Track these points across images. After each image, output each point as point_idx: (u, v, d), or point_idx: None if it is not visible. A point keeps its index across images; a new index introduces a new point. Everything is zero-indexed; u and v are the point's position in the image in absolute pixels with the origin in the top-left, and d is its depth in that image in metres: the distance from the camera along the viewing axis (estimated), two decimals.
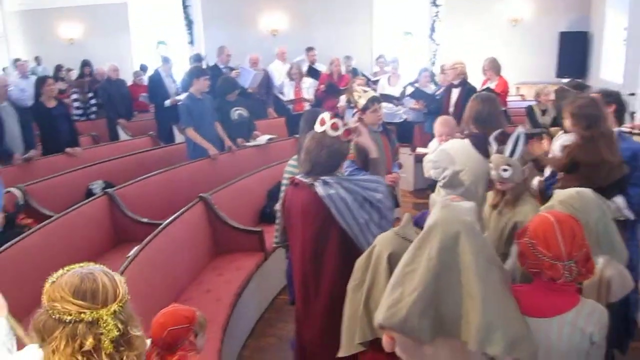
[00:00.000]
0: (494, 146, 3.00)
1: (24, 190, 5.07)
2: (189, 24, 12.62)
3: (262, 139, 6.76)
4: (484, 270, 1.97)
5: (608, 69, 9.44)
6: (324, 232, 2.92)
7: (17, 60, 11.09)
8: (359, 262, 2.59)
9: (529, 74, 10.87)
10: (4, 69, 12.59)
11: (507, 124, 6.74)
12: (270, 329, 4.43)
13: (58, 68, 11.14)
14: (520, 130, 3.32)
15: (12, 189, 5.00)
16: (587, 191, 2.58)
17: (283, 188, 3.59)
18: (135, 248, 3.66)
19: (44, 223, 4.29)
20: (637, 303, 3.46)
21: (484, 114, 3.66)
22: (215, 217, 4.63)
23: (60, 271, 1.53)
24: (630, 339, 3.55)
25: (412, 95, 7.78)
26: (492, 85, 7.12)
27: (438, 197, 3.61)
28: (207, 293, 4.03)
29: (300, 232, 3.00)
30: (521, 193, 2.85)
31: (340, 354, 2.73)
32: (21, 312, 2.39)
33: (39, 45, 13.48)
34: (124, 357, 1.48)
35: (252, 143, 6.66)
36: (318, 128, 3.03)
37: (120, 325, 1.46)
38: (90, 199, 4.92)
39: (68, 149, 6.45)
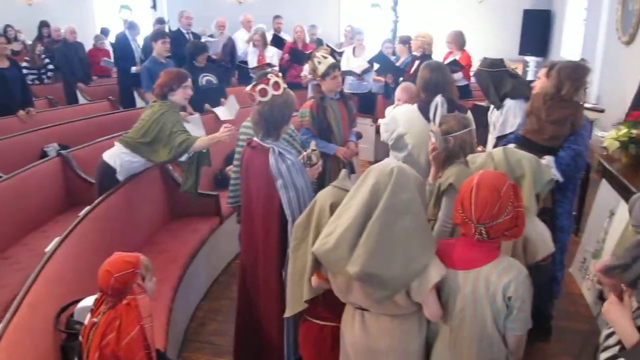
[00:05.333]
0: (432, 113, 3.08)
1: None
2: None
3: (231, 112, 6.69)
4: (390, 211, 2.06)
5: (568, 47, 9.62)
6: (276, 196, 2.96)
7: None
8: (298, 222, 2.63)
9: (492, 51, 10.91)
10: None
11: (469, 97, 6.91)
12: (225, 291, 4.48)
13: (5, 29, 10.70)
14: (438, 98, 3.39)
15: None
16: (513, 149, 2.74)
17: (239, 149, 3.60)
18: (86, 208, 3.64)
19: None
20: (562, 263, 3.64)
21: (432, 81, 3.72)
22: (172, 180, 4.61)
23: None
24: (555, 298, 3.73)
25: (378, 72, 7.76)
26: (457, 58, 7.19)
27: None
28: (161, 254, 4.04)
29: (256, 192, 3.02)
30: (449, 158, 2.88)
31: (287, 314, 2.79)
32: None
33: None
34: None
35: (218, 111, 6.61)
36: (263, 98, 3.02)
37: None
38: (42, 160, 4.85)
39: (20, 112, 6.28)
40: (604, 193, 4.46)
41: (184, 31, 8.37)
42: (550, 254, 2.73)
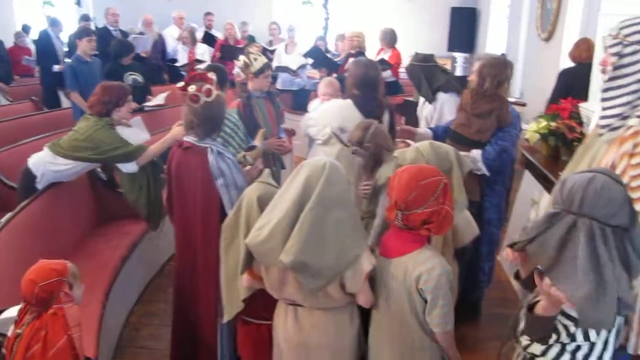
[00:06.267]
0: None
1: None
2: None
3: (159, 98, 6.57)
4: (322, 204, 2.10)
5: (493, 43, 10.00)
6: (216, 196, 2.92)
7: None
8: (226, 222, 2.65)
9: (422, 48, 11.17)
10: None
11: (398, 93, 7.07)
12: (160, 294, 4.39)
13: None
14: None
15: None
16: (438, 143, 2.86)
17: None
18: (8, 215, 3.47)
19: None
20: (490, 255, 3.78)
21: (370, 76, 3.76)
22: (100, 182, 4.47)
23: None
24: (480, 288, 3.90)
25: (314, 65, 7.79)
26: (385, 56, 7.33)
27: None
28: (91, 259, 3.90)
29: (192, 194, 2.96)
30: (376, 162, 2.90)
31: (226, 318, 2.76)
32: None
33: None
34: None
35: (149, 103, 6.47)
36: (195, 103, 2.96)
37: None
38: None
39: None
40: (528, 183, 4.67)
41: (111, 29, 8.13)
42: (474, 237, 2.89)
